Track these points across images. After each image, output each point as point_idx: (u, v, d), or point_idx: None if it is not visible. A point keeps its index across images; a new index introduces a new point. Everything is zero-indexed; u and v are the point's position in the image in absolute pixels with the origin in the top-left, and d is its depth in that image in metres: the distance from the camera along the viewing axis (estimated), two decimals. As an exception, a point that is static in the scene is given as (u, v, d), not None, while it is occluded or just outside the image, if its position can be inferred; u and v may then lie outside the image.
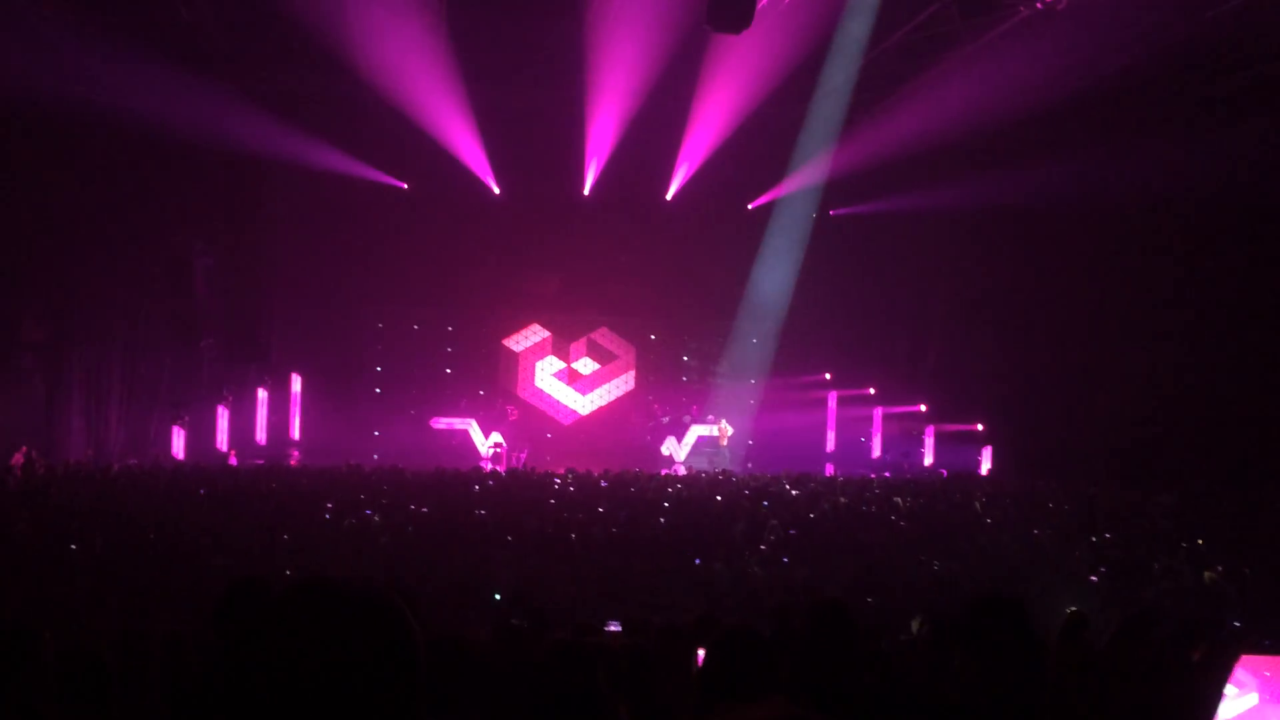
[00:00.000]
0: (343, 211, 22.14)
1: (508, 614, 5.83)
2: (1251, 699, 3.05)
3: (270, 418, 23.13)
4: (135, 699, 3.77)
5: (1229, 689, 2.93)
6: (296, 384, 23.63)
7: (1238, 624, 7.82)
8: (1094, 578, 9.19)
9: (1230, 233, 16.25)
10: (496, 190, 22.73)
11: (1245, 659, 2.97)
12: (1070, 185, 17.02)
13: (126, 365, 20.17)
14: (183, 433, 20.97)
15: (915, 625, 6.07)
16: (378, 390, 25.05)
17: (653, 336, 26.30)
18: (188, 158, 19.31)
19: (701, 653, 3.44)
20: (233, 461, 20.19)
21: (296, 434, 23.48)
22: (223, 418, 21.90)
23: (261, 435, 22.88)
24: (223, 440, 21.74)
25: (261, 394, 22.97)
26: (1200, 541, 10.87)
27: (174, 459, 19.90)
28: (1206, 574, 8.99)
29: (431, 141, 20.06)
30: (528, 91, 19.71)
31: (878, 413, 24.27)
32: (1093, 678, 1.08)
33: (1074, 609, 4.75)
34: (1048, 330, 19.62)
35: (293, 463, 20.94)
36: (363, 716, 1.28)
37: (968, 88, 16.61)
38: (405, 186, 22.46)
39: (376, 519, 11.56)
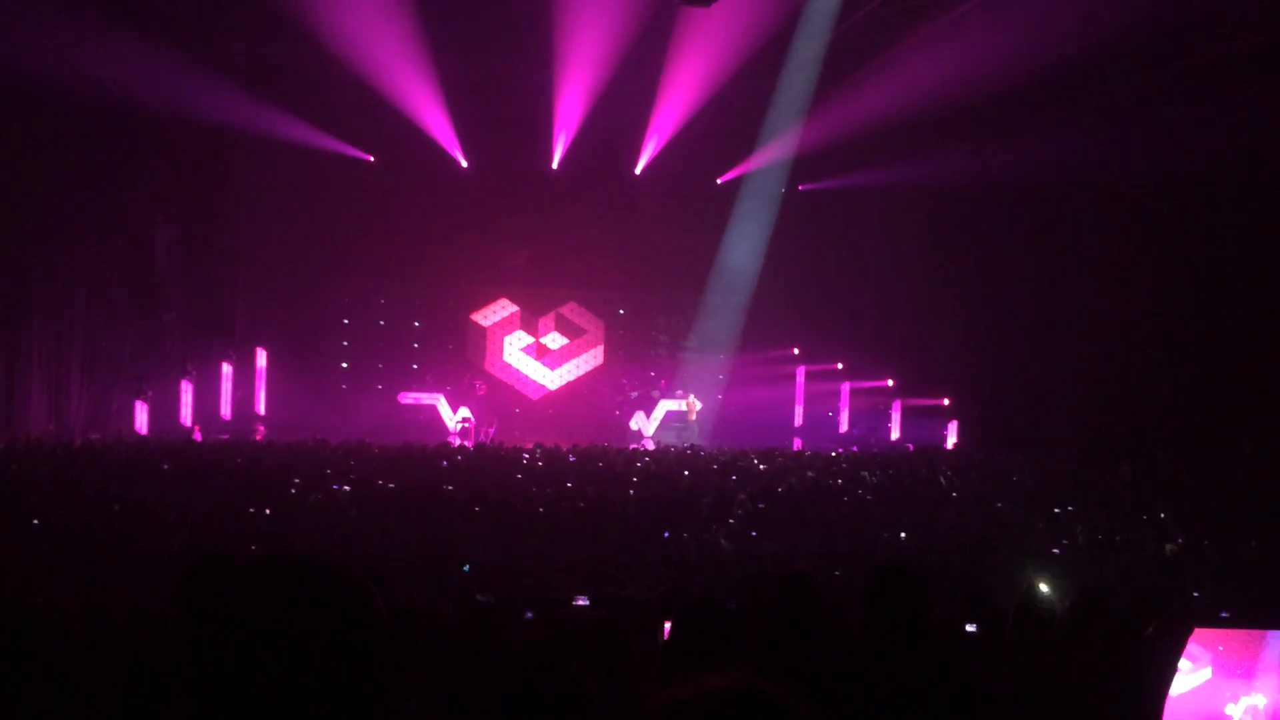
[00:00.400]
0: (308, 184, 21.84)
1: (475, 589, 5.84)
2: (1205, 673, 3.10)
3: (235, 392, 22.88)
4: (99, 674, 3.74)
5: (1182, 663, 2.99)
6: (261, 358, 23.40)
7: (1197, 595, 7.96)
8: (1056, 550, 9.33)
9: (1195, 212, 16.40)
10: (464, 163, 22.52)
11: (1199, 633, 3.02)
12: (1039, 162, 17.09)
13: (87, 339, 19.87)
14: (145, 407, 20.70)
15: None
16: (344, 365, 24.88)
17: (621, 311, 26.27)
18: (149, 128, 18.93)
19: (668, 625, 3.47)
20: (197, 437, 20.00)
21: (262, 409, 23.28)
22: (186, 392, 21.63)
23: (226, 410, 22.64)
24: (186, 415, 21.51)
25: (226, 368, 22.71)
26: (1162, 514, 11.06)
27: (137, 434, 19.67)
28: (1167, 546, 9.16)
29: (398, 114, 19.81)
30: (496, 63, 19.52)
31: (845, 387, 24.43)
32: (1048, 652, 1.10)
33: (1031, 582, 4.83)
34: (1014, 306, 19.76)
35: (258, 438, 20.78)
36: (326, 692, 1.28)
37: (938, 63, 16.58)
38: (371, 159, 22.20)
39: (347, 490, 11.52)
